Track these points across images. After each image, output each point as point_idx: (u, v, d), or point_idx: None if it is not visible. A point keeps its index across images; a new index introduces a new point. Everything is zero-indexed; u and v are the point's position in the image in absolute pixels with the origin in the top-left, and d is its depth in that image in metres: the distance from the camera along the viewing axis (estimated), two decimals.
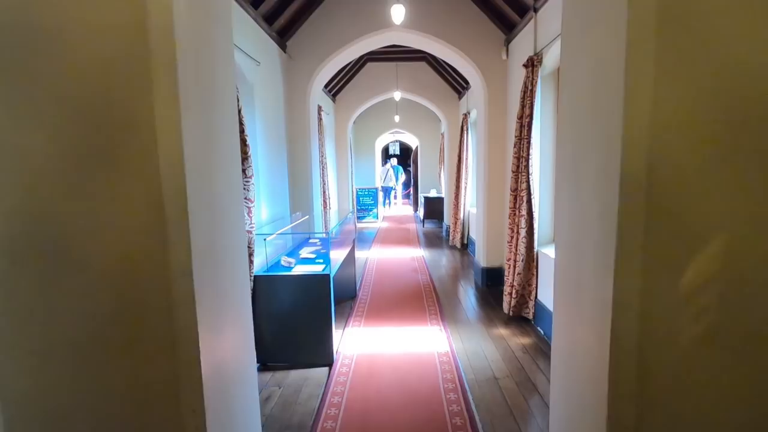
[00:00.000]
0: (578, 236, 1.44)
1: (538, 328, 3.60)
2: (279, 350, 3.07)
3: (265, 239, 3.12)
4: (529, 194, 3.62)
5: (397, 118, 10.93)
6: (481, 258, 5.03)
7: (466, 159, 7.03)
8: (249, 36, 3.59)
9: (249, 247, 2.96)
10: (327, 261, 3.30)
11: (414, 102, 10.41)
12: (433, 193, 10.38)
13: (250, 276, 2.97)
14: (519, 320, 3.81)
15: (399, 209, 14.59)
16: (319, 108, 6.15)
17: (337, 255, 3.76)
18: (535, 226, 3.62)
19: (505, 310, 3.91)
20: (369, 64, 8.05)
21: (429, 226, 10.20)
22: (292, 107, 4.78)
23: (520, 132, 3.69)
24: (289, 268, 3.20)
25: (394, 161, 13.68)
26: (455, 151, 7.70)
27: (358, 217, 10.68)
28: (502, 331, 3.61)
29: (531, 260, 3.69)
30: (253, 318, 3.12)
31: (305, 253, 3.64)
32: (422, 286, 5.03)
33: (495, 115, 4.66)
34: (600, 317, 1.29)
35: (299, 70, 4.72)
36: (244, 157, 2.93)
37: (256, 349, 3.16)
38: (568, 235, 1.52)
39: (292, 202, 4.85)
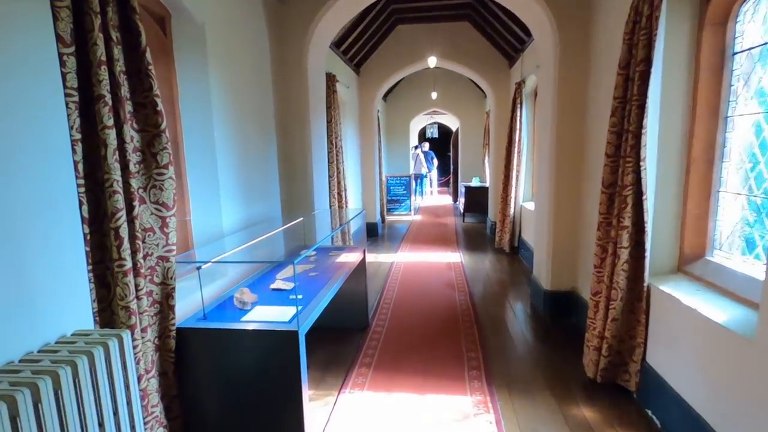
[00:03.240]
0: None
1: (650, 413, 2.20)
2: None
3: (199, 268, 1.94)
4: (638, 194, 2.20)
5: (434, 95, 9.47)
6: (543, 277, 3.63)
7: (519, 141, 5.56)
8: None
9: (166, 283, 1.79)
10: (302, 304, 2.08)
11: (454, 76, 8.91)
12: (475, 183, 8.90)
13: (169, 330, 1.80)
14: (612, 391, 2.43)
15: (436, 199, 13.17)
16: (332, 77, 4.90)
17: (333, 278, 2.54)
18: (647, 245, 2.20)
19: (590, 372, 2.53)
20: (399, 27, 6.67)
21: (470, 220, 8.77)
22: (284, 72, 3.55)
23: (625, 90, 2.25)
24: (242, 312, 2.01)
25: (426, 146, 12.19)
26: (504, 132, 6.22)
27: (389, 210, 9.42)
28: (587, 412, 2.26)
29: (637, 299, 2.29)
30: (177, 394, 1.98)
31: (280, 281, 2.43)
32: (460, 312, 3.72)
33: (570, 73, 3.19)
34: None
35: (293, 18, 3.48)
36: (156, 132, 1.74)
37: None
38: None
39: (286, 199, 3.66)
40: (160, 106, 1.73)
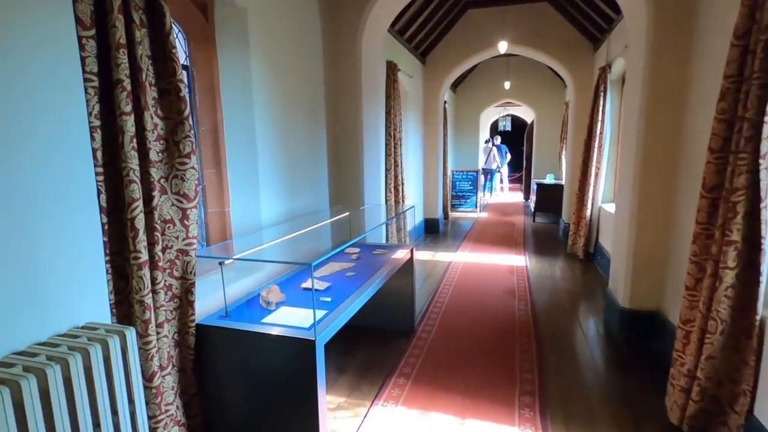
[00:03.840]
0: None
1: None
2: None
3: (221, 263, 1.85)
4: (753, 200, 1.70)
5: (507, 85, 8.85)
6: (621, 292, 3.12)
7: (601, 133, 4.91)
8: None
9: (186, 278, 1.72)
10: (330, 307, 1.92)
11: (531, 63, 8.24)
12: (549, 180, 8.19)
13: (189, 326, 1.74)
14: None
15: (506, 196, 12.44)
16: (393, 66, 4.69)
17: (368, 280, 2.34)
18: (763, 267, 1.70)
19: (673, 418, 2.06)
20: (470, 12, 6.24)
21: (541, 221, 8.09)
22: (336, 59, 3.41)
23: (741, 66, 1.75)
24: (265, 312, 1.89)
25: (498, 139, 11.46)
26: (584, 124, 5.55)
27: (453, 206, 9.04)
28: None
29: (745, 335, 1.79)
30: (196, 392, 1.91)
31: (310, 281, 2.29)
32: (518, 325, 3.34)
33: (666, 49, 2.64)
34: None
35: (346, 1, 3.31)
36: (179, 120, 1.66)
37: None
38: None
39: (335, 192, 3.54)
40: (184, 92, 1.65)
